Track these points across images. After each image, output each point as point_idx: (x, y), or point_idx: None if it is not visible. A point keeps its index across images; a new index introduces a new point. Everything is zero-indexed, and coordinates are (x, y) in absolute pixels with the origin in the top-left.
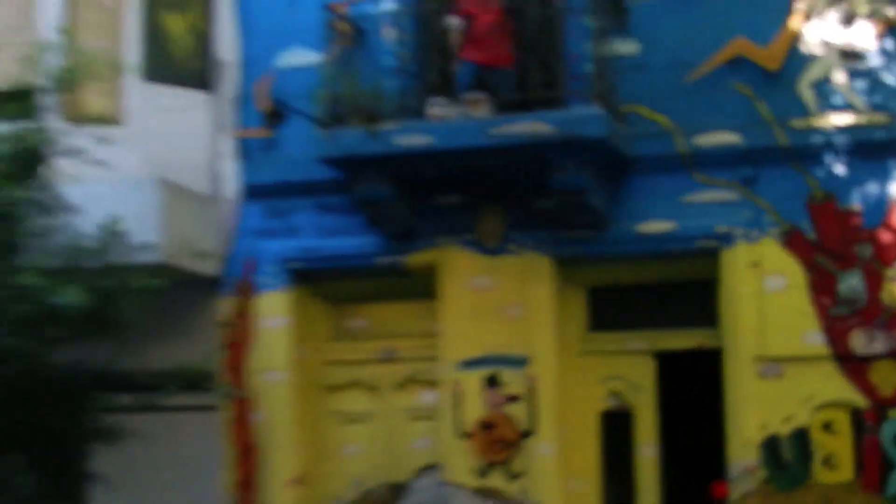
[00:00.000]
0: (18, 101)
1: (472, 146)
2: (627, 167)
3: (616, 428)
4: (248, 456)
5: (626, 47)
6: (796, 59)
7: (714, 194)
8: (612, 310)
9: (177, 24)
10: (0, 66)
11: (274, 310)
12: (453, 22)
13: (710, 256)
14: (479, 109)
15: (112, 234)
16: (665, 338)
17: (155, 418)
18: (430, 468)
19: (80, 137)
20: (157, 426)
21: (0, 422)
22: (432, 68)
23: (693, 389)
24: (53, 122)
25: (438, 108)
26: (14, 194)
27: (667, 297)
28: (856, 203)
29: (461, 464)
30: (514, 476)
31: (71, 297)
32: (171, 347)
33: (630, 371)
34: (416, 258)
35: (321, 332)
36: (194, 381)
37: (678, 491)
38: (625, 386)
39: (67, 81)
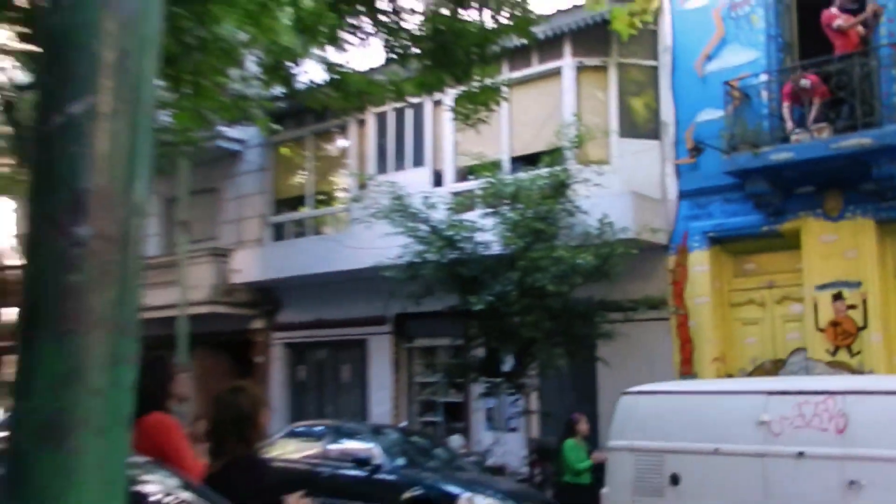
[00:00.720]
0: (552, 155)
1: (819, 156)
2: None
3: None
4: (686, 346)
5: None
6: None
7: None
8: None
9: (637, 103)
10: (544, 138)
11: (699, 261)
12: (805, 82)
13: None
14: (823, 133)
15: (606, 224)
16: None
17: (633, 326)
18: (798, 350)
19: (586, 172)
20: (634, 331)
21: (551, 332)
22: (791, 112)
23: None
24: (571, 165)
25: (797, 135)
26: (552, 207)
27: None
28: None
29: (819, 347)
30: (854, 354)
31: (584, 260)
32: (640, 285)
33: None
34: (786, 226)
35: (728, 273)
36: (655, 304)
37: None
38: None
39: (579, 142)
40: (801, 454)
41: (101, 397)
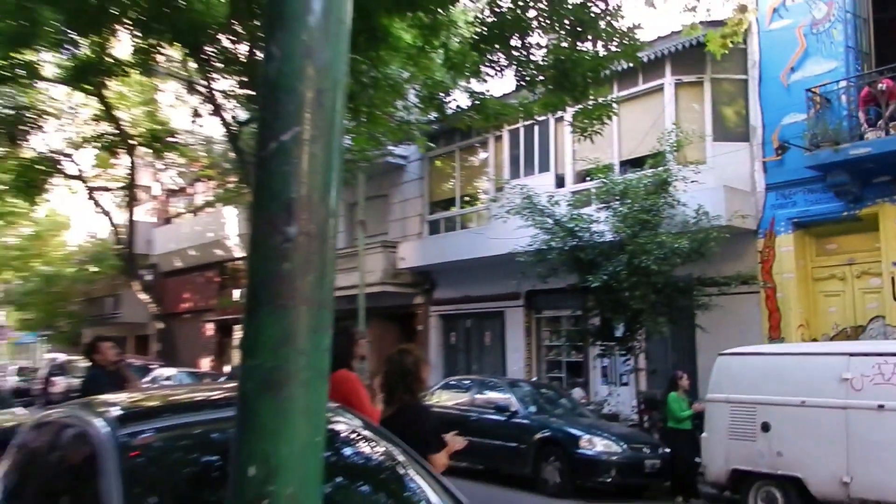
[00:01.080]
0: (655, 158)
1: (894, 150)
2: None
3: None
4: (774, 315)
5: None
6: None
7: None
8: None
9: (729, 111)
10: (648, 143)
11: (785, 243)
12: (882, 86)
13: None
14: None
15: (701, 214)
16: None
17: (727, 299)
18: (877, 318)
19: (685, 171)
20: (728, 302)
21: (656, 304)
22: (867, 113)
23: None
24: (672, 166)
25: (872, 133)
26: (656, 201)
27: None
28: None
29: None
30: None
31: (683, 244)
32: (733, 264)
33: None
34: (864, 211)
35: (811, 253)
36: (746, 280)
37: None
38: None
39: (678, 146)
40: (881, 406)
41: (307, 357)
